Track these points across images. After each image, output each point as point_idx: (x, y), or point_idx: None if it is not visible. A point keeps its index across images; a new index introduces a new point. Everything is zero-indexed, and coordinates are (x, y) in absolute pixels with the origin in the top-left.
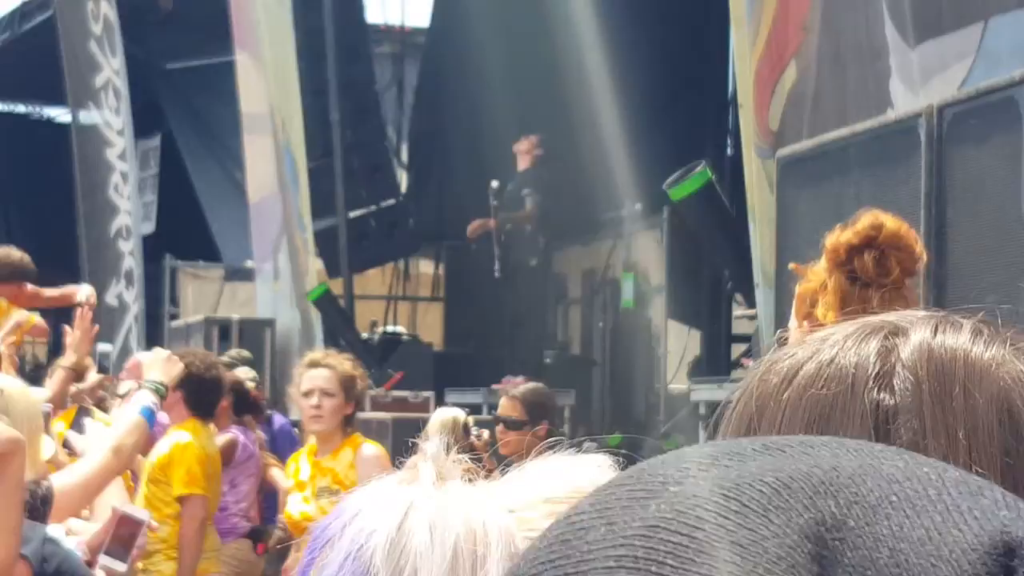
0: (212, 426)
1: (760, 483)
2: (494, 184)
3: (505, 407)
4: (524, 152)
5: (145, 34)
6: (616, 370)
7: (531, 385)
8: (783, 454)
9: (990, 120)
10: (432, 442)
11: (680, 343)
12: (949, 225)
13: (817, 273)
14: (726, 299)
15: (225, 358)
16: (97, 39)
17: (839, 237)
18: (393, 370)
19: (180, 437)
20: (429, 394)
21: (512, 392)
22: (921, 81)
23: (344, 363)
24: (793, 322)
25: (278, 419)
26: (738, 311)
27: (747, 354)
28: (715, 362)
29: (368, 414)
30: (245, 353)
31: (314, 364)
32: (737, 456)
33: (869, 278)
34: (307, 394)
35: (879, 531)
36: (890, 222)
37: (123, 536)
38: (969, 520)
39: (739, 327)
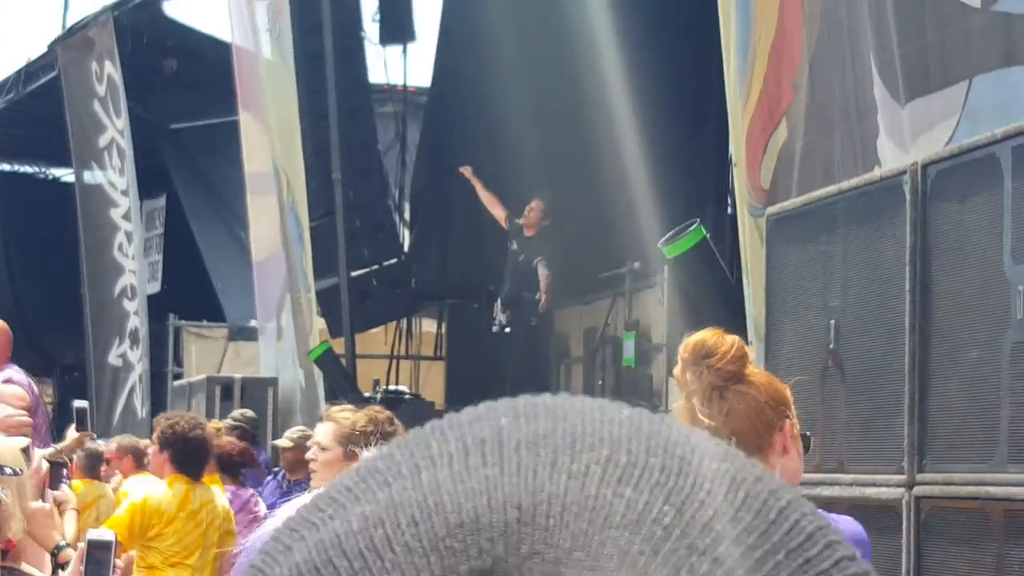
0: (205, 483)
1: (448, 520)
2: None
3: None
4: (530, 224)
5: (150, 95)
6: None
7: None
8: (501, 464)
9: (973, 177)
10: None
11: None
12: (933, 281)
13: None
14: (735, 336)
15: (228, 420)
16: (101, 100)
17: (675, 371)
18: None
19: (137, 492)
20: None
21: None
22: (911, 139)
23: (354, 418)
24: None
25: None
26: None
27: None
28: None
29: None
30: (248, 413)
31: (326, 417)
32: (441, 460)
33: (694, 389)
34: (310, 447)
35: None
36: (694, 338)
37: (97, 563)
38: None
39: None
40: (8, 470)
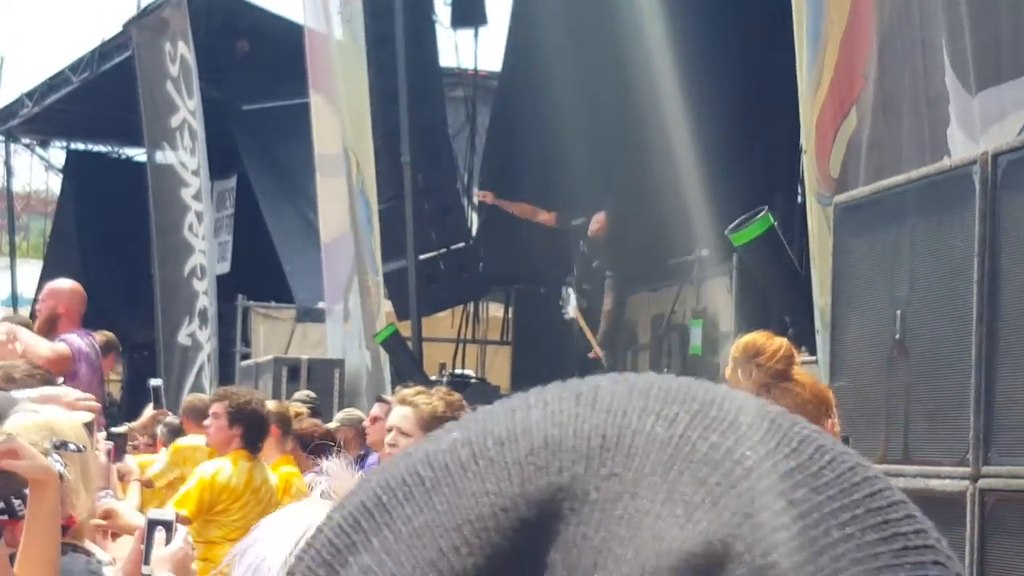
0: (260, 459)
1: (534, 439)
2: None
3: None
4: (594, 231)
5: (222, 76)
6: None
7: None
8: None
9: None
10: (332, 462)
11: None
12: (1002, 272)
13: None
14: (795, 345)
15: (295, 402)
16: (174, 80)
17: (726, 369)
18: None
19: (207, 467)
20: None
21: None
22: (981, 129)
23: (433, 402)
24: None
25: (373, 457)
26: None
27: None
28: None
29: None
30: (311, 394)
31: (401, 401)
32: (536, 404)
33: (743, 386)
34: (388, 430)
35: (614, 514)
36: (745, 339)
37: (157, 541)
38: (701, 514)
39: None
40: (72, 446)
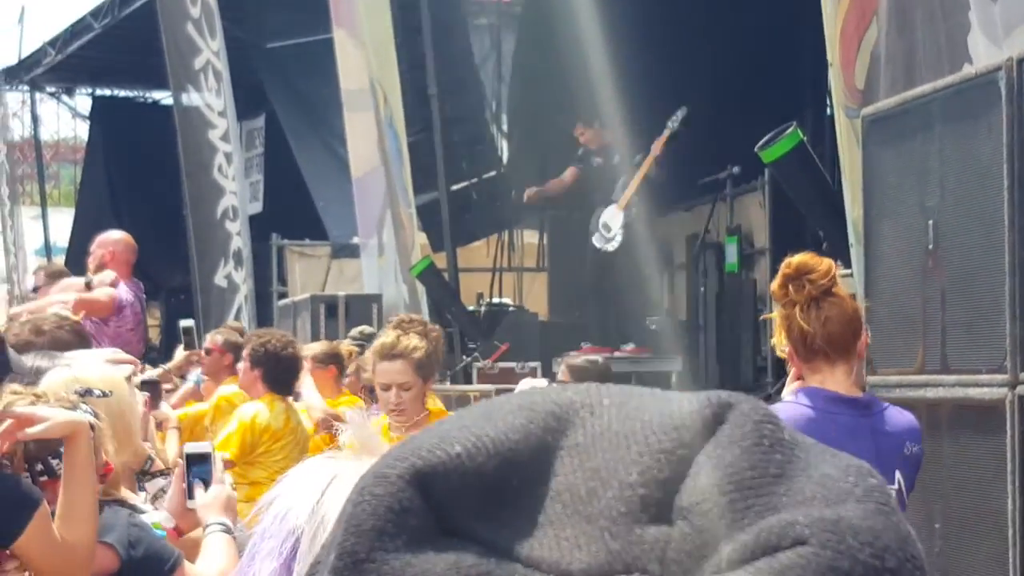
0: (291, 400)
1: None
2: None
3: (565, 376)
4: (592, 140)
5: (244, 15)
6: (722, 335)
7: (587, 357)
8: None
9: None
10: (354, 416)
11: None
12: None
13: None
14: (829, 259)
15: (348, 340)
16: (195, 22)
17: (773, 286)
18: (500, 342)
19: (246, 409)
20: (536, 364)
21: (571, 362)
22: (1004, 33)
23: (416, 345)
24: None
25: None
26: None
27: None
28: None
29: (474, 386)
30: (368, 329)
31: (386, 355)
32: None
33: (795, 300)
34: (384, 388)
35: (627, 405)
36: (796, 258)
37: (197, 474)
38: (700, 397)
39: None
40: (97, 392)
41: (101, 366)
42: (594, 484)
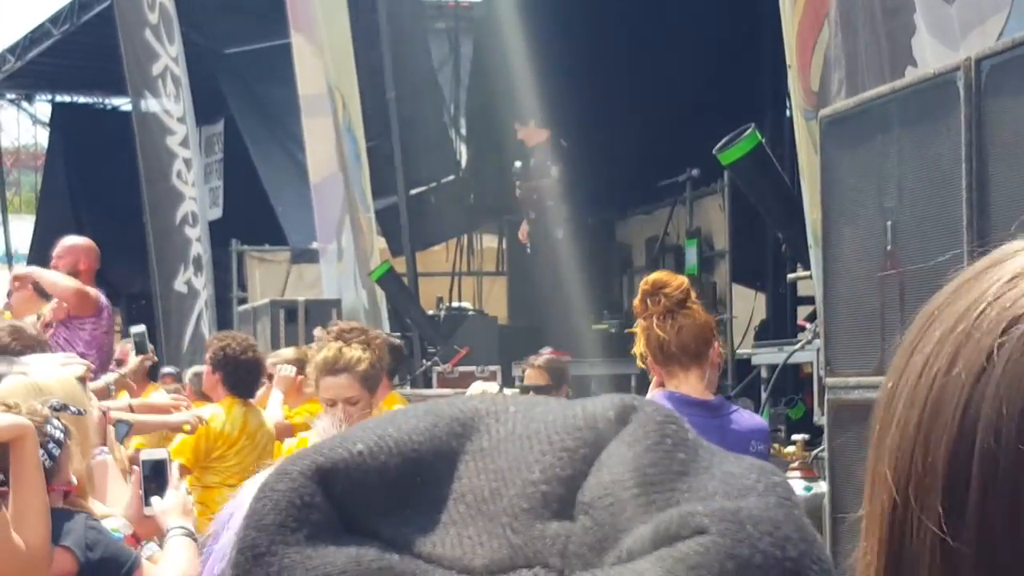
0: (256, 404)
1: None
2: (517, 165)
3: (531, 376)
4: (531, 138)
5: (202, 20)
6: None
7: (550, 356)
8: None
9: None
10: (322, 419)
11: (747, 307)
12: (990, 178)
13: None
14: (790, 261)
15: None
16: (153, 28)
17: (635, 302)
18: (459, 346)
19: (202, 413)
20: (495, 368)
21: (535, 362)
22: (961, 35)
23: (360, 357)
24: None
25: None
26: (797, 272)
27: (809, 317)
28: (780, 325)
29: (434, 391)
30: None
31: (329, 370)
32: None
33: (652, 312)
34: (330, 404)
35: (532, 412)
36: (652, 275)
37: (153, 481)
38: (604, 401)
39: (805, 289)
40: (73, 409)
41: (56, 369)
42: (497, 484)
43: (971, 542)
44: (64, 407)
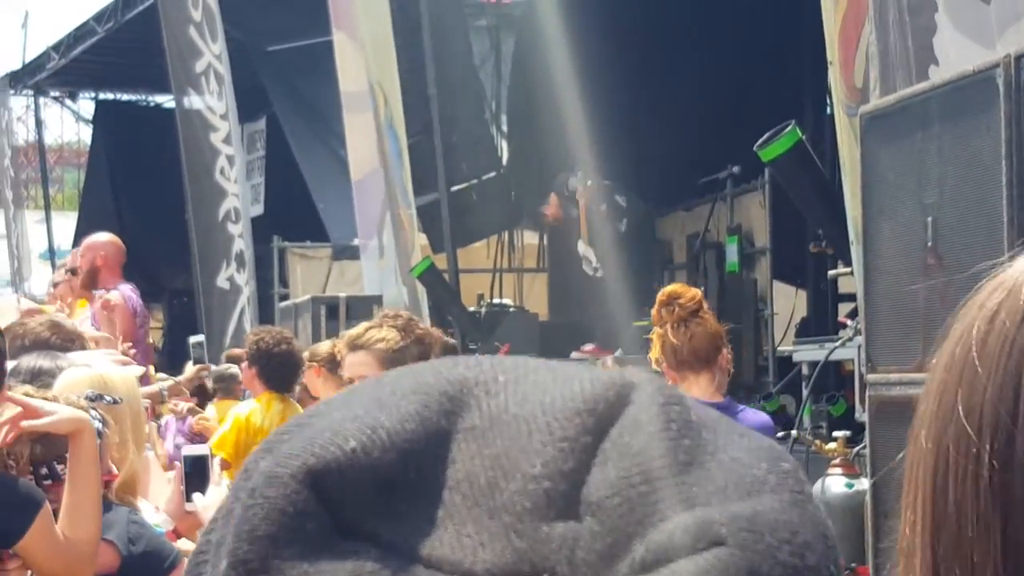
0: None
1: (436, 359)
2: (568, 181)
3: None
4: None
5: (245, 18)
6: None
7: (618, 356)
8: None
9: None
10: None
11: (788, 304)
12: None
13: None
14: (830, 257)
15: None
16: (196, 25)
17: (652, 312)
18: (500, 342)
19: (241, 409)
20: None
21: (607, 363)
22: (998, 33)
23: (383, 337)
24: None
25: None
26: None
27: (851, 314)
28: (821, 321)
29: None
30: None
31: (351, 346)
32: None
33: (666, 321)
34: (349, 382)
35: (524, 382)
36: (668, 287)
37: (196, 477)
38: (592, 379)
39: (845, 286)
40: (107, 399)
41: (120, 367)
42: (494, 474)
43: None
44: (100, 397)
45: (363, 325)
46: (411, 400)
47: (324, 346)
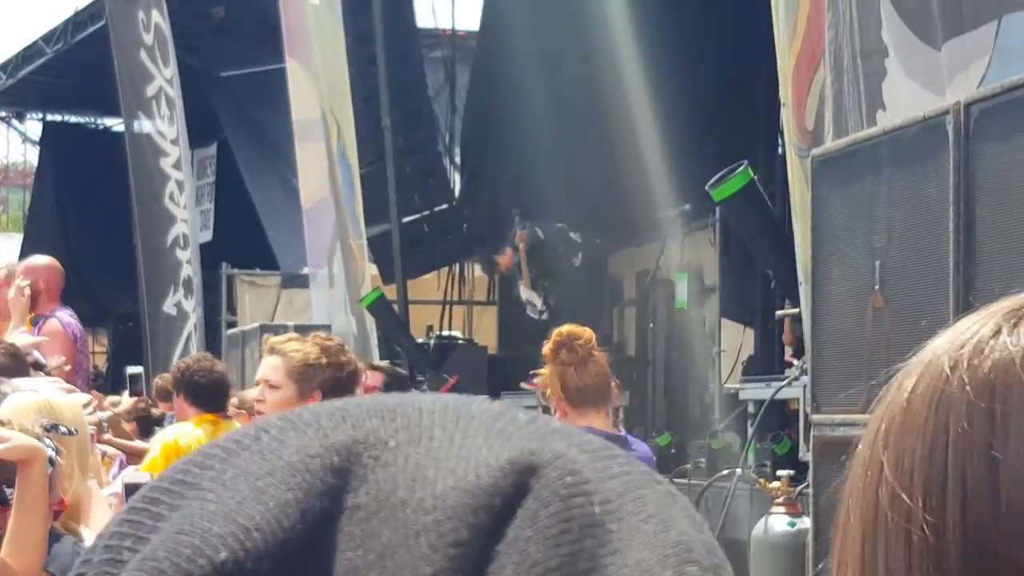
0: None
1: (322, 409)
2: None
3: None
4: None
5: (198, 43)
6: (671, 370)
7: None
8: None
9: (1016, 116)
10: None
11: (736, 342)
12: (978, 222)
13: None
14: (778, 297)
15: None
16: (148, 49)
17: (544, 349)
18: (449, 374)
19: (169, 432)
20: (484, 398)
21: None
22: (948, 79)
23: (300, 348)
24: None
25: None
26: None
27: (795, 353)
28: (768, 360)
29: None
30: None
31: (270, 349)
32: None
33: (566, 361)
34: (256, 384)
35: (416, 451)
36: (565, 328)
37: None
38: (500, 442)
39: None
40: (63, 429)
41: (67, 395)
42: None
43: (956, 536)
44: (55, 427)
45: (291, 335)
46: (291, 484)
47: (252, 393)
